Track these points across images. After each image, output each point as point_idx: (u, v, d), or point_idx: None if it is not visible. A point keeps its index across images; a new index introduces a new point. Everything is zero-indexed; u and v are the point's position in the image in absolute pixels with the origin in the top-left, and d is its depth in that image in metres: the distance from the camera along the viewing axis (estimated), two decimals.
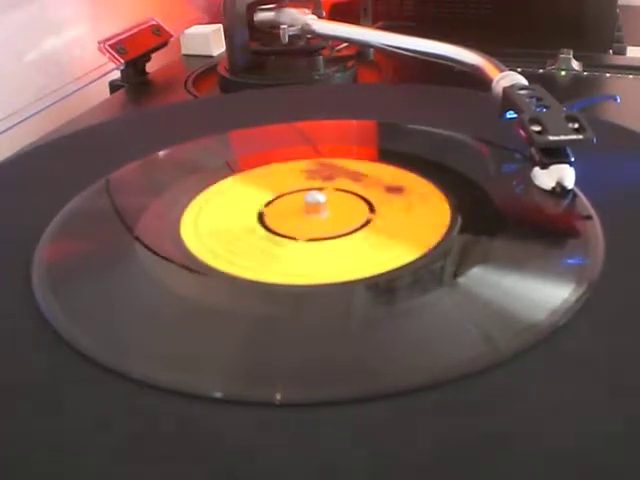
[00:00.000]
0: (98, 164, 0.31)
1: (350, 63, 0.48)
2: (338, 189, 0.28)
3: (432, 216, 0.26)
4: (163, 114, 0.40)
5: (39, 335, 0.21)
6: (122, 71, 0.50)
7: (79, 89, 0.49)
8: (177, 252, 0.25)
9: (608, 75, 0.47)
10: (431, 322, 0.21)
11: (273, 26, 0.47)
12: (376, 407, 0.18)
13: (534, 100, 0.30)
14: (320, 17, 0.48)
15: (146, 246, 0.25)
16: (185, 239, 0.25)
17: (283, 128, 0.35)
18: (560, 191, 0.27)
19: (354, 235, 0.25)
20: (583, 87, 0.46)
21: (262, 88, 0.44)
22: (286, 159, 0.31)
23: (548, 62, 0.48)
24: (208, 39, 0.56)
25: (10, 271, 0.24)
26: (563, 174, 0.27)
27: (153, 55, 0.52)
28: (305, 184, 0.29)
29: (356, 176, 0.29)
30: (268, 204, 0.28)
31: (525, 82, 0.33)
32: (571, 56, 0.47)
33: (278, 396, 0.18)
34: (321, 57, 0.47)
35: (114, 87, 0.50)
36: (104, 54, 0.48)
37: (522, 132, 0.28)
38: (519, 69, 0.38)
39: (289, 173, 0.30)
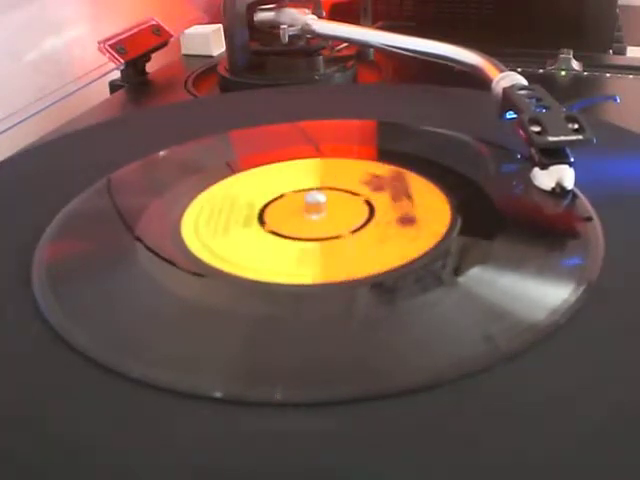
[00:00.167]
0: (98, 164, 0.31)
1: (350, 63, 0.48)
2: (338, 189, 0.29)
3: (432, 216, 0.26)
4: (163, 114, 0.40)
5: (39, 335, 0.21)
6: (122, 71, 0.50)
7: (79, 89, 0.49)
8: (177, 252, 0.25)
9: (608, 75, 0.47)
10: (431, 322, 0.21)
11: (273, 26, 0.47)
12: (376, 407, 0.18)
13: (534, 100, 0.30)
14: (320, 17, 0.48)
15: (146, 246, 0.25)
16: (186, 239, 0.25)
17: (283, 128, 0.35)
18: (560, 192, 0.27)
19: (354, 235, 0.25)
20: (583, 87, 0.46)
21: (262, 88, 0.44)
22: (286, 159, 0.32)
23: (548, 62, 0.48)
24: (208, 39, 0.56)
25: (10, 271, 0.24)
26: (563, 175, 0.27)
27: (153, 55, 0.52)
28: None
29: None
30: (268, 204, 0.28)
31: (525, 82, 0.33)
32: (571, 56, 0.47)
33: (278, 396, 0.18)
34: (321, 57, 0.47)
35: (114, 87, 0.50)
36: (104, 54, 0.48)
37: (522, 132, 0.28)
38: (519, 69, 0.38)
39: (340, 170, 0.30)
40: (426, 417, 0.18)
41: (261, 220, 0.27)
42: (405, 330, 0.21)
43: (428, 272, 0.23)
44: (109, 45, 0.48)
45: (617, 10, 0.54)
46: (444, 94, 0.38)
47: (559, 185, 0.27)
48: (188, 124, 0.37)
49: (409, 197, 0.26)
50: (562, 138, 0.27)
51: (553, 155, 0.27)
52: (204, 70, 0.52)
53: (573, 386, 0.18)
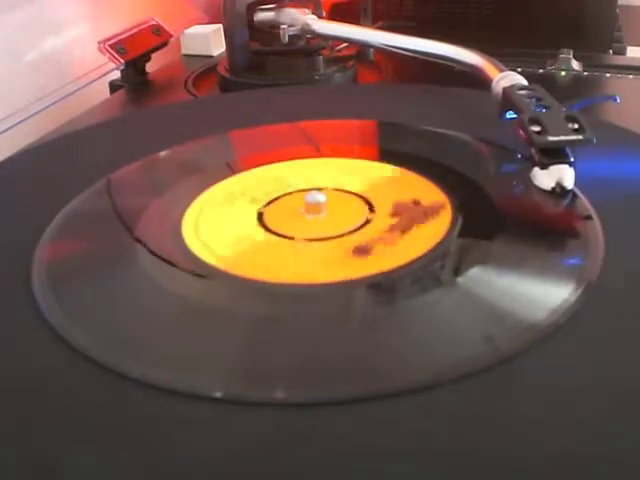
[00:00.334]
0: (98, 164, 0.31)
1: (350, 63, 0.48)
2: (338, 189, 0.29)
3: (432, 215, 0.26)
4: (163, 114, 0.40)
5: (39, 335, 0.21)
6: (122, 71, 0.50)
7: (79, 89, 0.49)
8: (178, 252, 0.25)
9: (608, 75, 0.47)
10: (431, 322, 0.21)
11: (273, 26, 0.47)
12: (376, 407, 0.18)
13: (534, 100, 0.30)
14: (320, 17, 0.48)
15: (146, 246, 0.25)
16: (186, 239, 0.25)
17: (283, 128, 0.35)
18: (560, 191, 0.27)
19: (354, 235, 0.25)
20: (583, 87, 0.46)
21: (262, 88, 0.44)
22: (286, 159, 0.32)
23: (548, 62, 0.48)
24: (208, 39, 0.56)
25: (10, 271, 0.24)
26: (563, 174, 0.27)
27: (153, 55, 0.51)
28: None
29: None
30: (268, 204, 0.28)
31: (525, 82, 0.33)
32: (571, 56, 0.47)
33: (278, 396, 0.18)
34: (321, 57, 0.47)
35: (114, 87, 0.50)
36: (104, 54, 0.48)
37: (522, 132, 0.28)
38: (519, 69, 0.38)
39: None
40: (426, 417, 0.18)
41: (261, 220, 0.27)
42: (405, 330, 0.21)
43: (428, 272, 0.23)
44: (109, 45, 0.48)
45: (617, 10, 0.54)
46: (444, 94, 0.38)
47: (559, 185, 0.27)
48: (188, 124, 0.37)
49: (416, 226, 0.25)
50: (562, 138, 0.27)
51: (553, 155, 0.27)
52: (204, 70, 0.52)
53: (573, 386, 0.18)
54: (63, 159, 0.34)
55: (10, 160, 0.34)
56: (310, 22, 0.46)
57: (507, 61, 0.37)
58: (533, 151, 0.27)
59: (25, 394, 0.19)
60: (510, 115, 0.31)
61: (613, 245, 0.23)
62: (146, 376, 0.19)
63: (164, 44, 0.52)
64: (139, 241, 0.25)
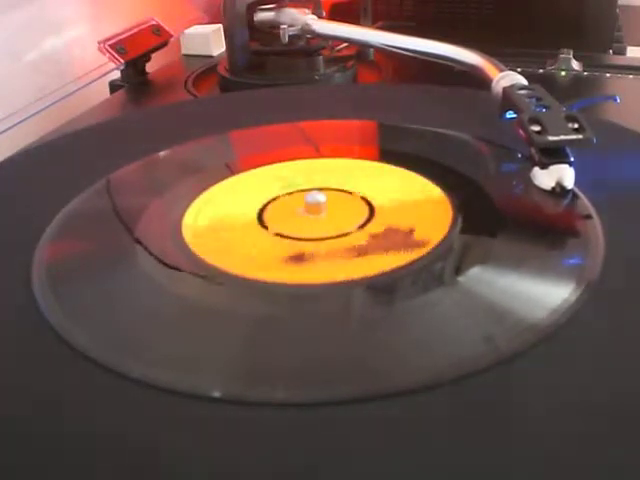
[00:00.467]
0: (98, 164, 0.31)
1: (350, 63, 0.48)
2: (338, 189, 0.29)
3: (433, 216, 0.26)
4: (163, 114, 0.40)
5: (39, 335, 0.21)
6: (122, 71, 0.50)
7: (79, 89, 0.49)
8: (178, 252, 0.25)
9: (608, 75, 0.47)
10: (431, 322, 0.21)
11: (273, 26, 0.47)
12: (376, 407, 0.18)
13: (534, 100, 0.30)
14: (320, 17, 0.48)
15: (146, 246, 0.25)
16: (186, 239, 0.25)
17: (283, 128, 0.35)
18: (560, 191, 0.27)
19: (354, 235, 0.25)
20: (583, 87, 0.46)
21: (262, 88, 0.44)
22: (286, 159, 0.32)
23: (548, 62, 0.48)
24: (208, 39, 0.56)
25: (10, 271, 0.24)
26: (563, 174, 0.27)
27: (153, 55, 0.52)
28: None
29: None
30: (268, 204, 0.28)
31: (525, 82, 0.33)
32: (571, 56, 0.47)
33: (278, 396, 0.18)
34: (321, 57, 0.47)
35: (114, 87, 0.50)
36: (104, 54, 0.48)
37: (522, 132, 0.28)
38: (519, 69, 0.38)
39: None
40: (426, 417, 0.17)
41: (261, 220, 0.27)
42: (405, 330, 0.21)
43: (428, 272, 0.23)
44: (109, 45, 0.48)
45: (617, 10, 0.54)
46: (444, 94, 0.38)
47: (559, 184, 0.27)
48: (188, 124, 0.37)
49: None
50: (562, 137, 0.27)
51: (553, 155, 0.27)
52: (204, 70, 0.52)
53: (573, 386, 0.18)
54: (63, 159, 0.34)
55: (10, 160, 0.34)
56: (310, 22, 0.46)
57: (507, 61, 0.37)
58: (533, 151, 0.27)
59: (25, 394, 0.19)
60: (510, 115, 0.31)
61: (613, 245, 0.23)
62: (146, 376, 0.19)
63: (164, 44, 0.52)
64: (139, 241, 0.25)
